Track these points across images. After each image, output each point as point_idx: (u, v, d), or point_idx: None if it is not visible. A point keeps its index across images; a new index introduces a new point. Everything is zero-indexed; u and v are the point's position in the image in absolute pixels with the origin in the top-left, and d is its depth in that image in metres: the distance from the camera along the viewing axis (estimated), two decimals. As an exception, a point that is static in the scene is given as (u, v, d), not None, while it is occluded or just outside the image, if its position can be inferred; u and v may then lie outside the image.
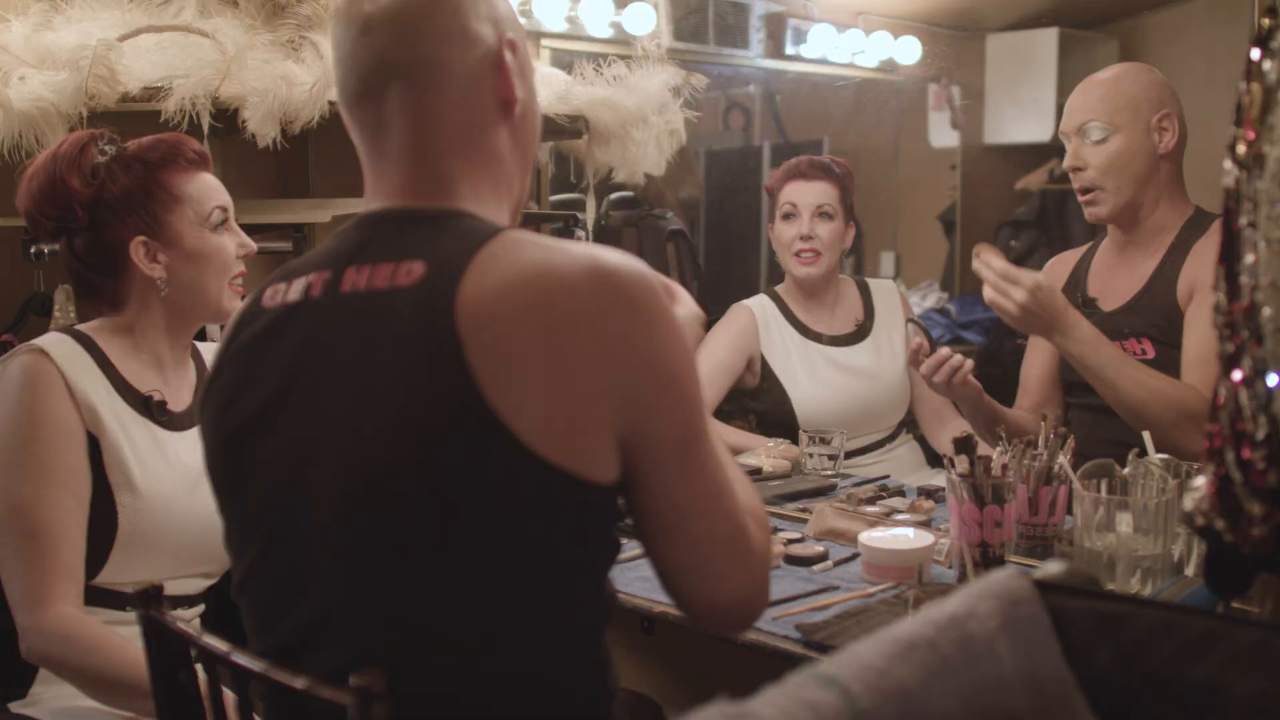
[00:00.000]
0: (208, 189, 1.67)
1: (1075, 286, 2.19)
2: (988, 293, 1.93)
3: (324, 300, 1.09)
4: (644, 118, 2.61)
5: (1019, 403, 2.25)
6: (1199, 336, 1.95)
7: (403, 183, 1.13)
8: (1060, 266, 2.28)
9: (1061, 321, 1.91)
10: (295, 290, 1.11)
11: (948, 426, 2.41)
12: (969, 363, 2.07)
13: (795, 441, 2.36)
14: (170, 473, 1.60)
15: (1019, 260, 3.63)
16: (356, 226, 1.14)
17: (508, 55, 1.14)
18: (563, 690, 1.06)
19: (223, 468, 1.15)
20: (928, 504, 2.00)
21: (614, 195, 3.23)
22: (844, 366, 2.54)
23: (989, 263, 1.92)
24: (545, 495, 1.00)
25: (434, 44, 1.11)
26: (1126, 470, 1.65)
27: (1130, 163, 2.03)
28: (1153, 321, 2.05)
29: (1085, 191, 2.08)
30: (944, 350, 2.08)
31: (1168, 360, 2.00)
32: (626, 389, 1.01)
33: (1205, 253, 1.99)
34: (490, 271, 1.02)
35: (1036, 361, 2.25)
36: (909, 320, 2.14)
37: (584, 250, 1.04)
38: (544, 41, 3.01)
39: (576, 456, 1.00)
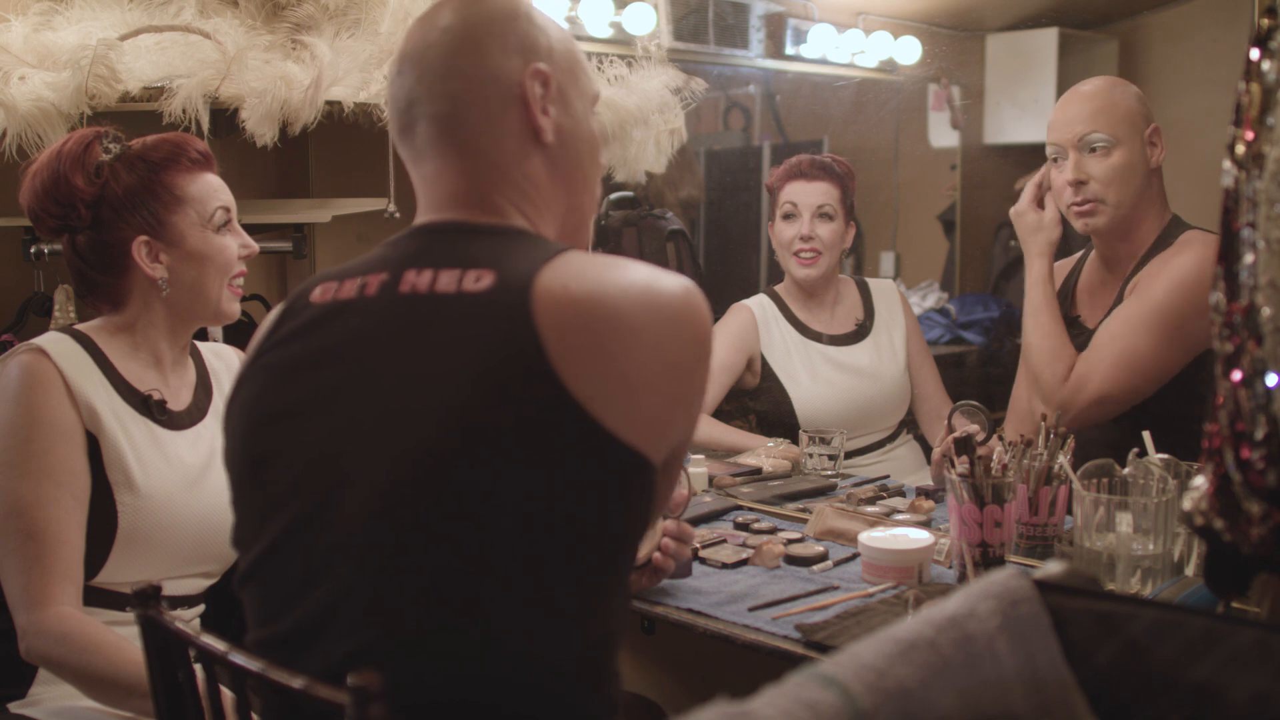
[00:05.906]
0: (210, 189, 1.66)
1: (1064, 304, 2.18)
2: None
3: (380, 298, 1.12)
4: (644, 118, 2.60)
5: (1008, 424, 2.21)
6: (1107, 328, 2.01)
7: (448, 199, 1.19)
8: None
9: (1027, 248, 2.11)
10: (349, 289, 1.14)
11: (948, 426, 2.40)
12: None
13: (795, 441, 2.36)
14: (170, 471, 1.60)
15: (1019, 262, 3.64)
16: (411, 235, 1.19)
17: (535, 87, 1.18)
18: (563, 702, 1.06)
19: (249, 452, 1.15)
20: (928, 504, 2.00)
21: (614, 195, 3.23)
22: (844, 366, 2.54)
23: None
24: (614, 474, 1.05)
25: (456, 83, 1.17)
26: (1126, 470, 1.65)
27: (1131, 175, 2.02)
28: None
29: (1084, 203, 2.04)
30: None
31: None
32: (687, 404, 1.13)
33: (1159, 263, 2.00)
34: (564, 282, 1.07)
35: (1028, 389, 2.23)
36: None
37: (645, 274, 1.10)
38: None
39: (648, 442, 1.06)
